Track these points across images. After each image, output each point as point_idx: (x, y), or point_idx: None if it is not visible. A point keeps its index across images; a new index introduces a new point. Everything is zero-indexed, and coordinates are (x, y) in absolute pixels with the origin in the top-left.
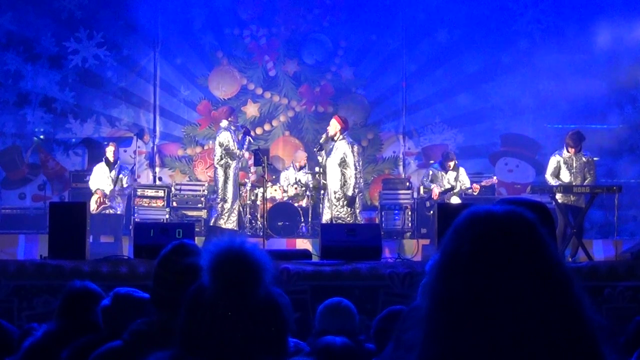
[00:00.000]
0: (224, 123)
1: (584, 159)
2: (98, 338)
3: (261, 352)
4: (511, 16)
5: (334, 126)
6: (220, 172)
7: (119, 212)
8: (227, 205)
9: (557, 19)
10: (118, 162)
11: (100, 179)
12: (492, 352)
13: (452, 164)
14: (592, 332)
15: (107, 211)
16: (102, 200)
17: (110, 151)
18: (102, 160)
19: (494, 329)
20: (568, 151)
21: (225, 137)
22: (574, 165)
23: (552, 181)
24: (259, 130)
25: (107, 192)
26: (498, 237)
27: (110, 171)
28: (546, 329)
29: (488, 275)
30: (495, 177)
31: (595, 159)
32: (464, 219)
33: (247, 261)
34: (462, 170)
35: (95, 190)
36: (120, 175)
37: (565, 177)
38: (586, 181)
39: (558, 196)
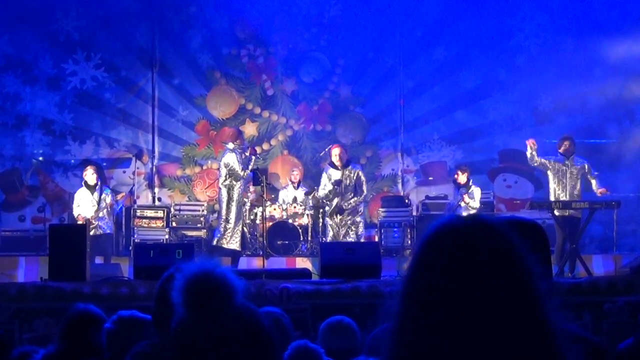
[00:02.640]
0: (231, 145)
1: (578, 166)
2: None
3: None
4: (508, 32)
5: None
6: (223, 192)
7: (108, 232)
8: (230, 226)
9: (554, 34)
10: (99, 183)
11: (84, 205)
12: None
13: (460, 177)
14: (558, 348)
15: (96, 232)
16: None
17: (89, 174)
18: (81, 186)
19: (457, 341)
20: (561, 153)
21: (231, 159)
22: (568, 175)
23: (538, 159)
24: (257, 150)
25: (92, 215)
26: (463, 249)
27: (92, 194)
28: (511, 343)
29: (452, 286)
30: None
31: (595, 174)
32: (431, 232)
33: (214, 284)
34: (475, 190)
35: (77, 217)
36: (103, 195)
37: (558, 186)
38: (592, 186)
39: (556, 210)
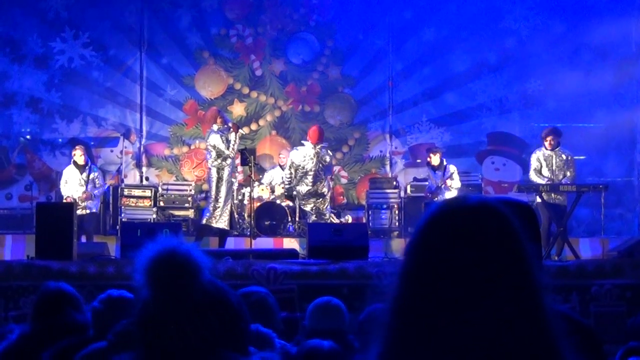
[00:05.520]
0: (215, 127)
1: (563, 156)
2: (84, 339)
3: (217, 346)
4: (498, 14)
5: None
6: (213, 172)
7: (94, 211)
8: (219, 205)
9: (544, 17)
10: (88, 163)
11: (72, 183)
12: (456, 348)
13: (432, 159)
14: (553, 333)
15: (83, 211)
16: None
17: (78, 155)
18: (70, 163)
19: (454, 324)
20: (546, 148)
21: (215, 140)
22: (554, 162)
23: (536, 178)
24: (245, 130)
25: (80, 195)
26: (469, 230)
27: (81, 173)
28: (507, 327)
29: (455, 268)
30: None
31: (581, 157)
32: (433, 211)
33: (179, 261)
34: (451, 168)
35: (65, 198)
36: (92, 176)
37: (545, 174)
38: (566, 178)
39: (543, 194)
